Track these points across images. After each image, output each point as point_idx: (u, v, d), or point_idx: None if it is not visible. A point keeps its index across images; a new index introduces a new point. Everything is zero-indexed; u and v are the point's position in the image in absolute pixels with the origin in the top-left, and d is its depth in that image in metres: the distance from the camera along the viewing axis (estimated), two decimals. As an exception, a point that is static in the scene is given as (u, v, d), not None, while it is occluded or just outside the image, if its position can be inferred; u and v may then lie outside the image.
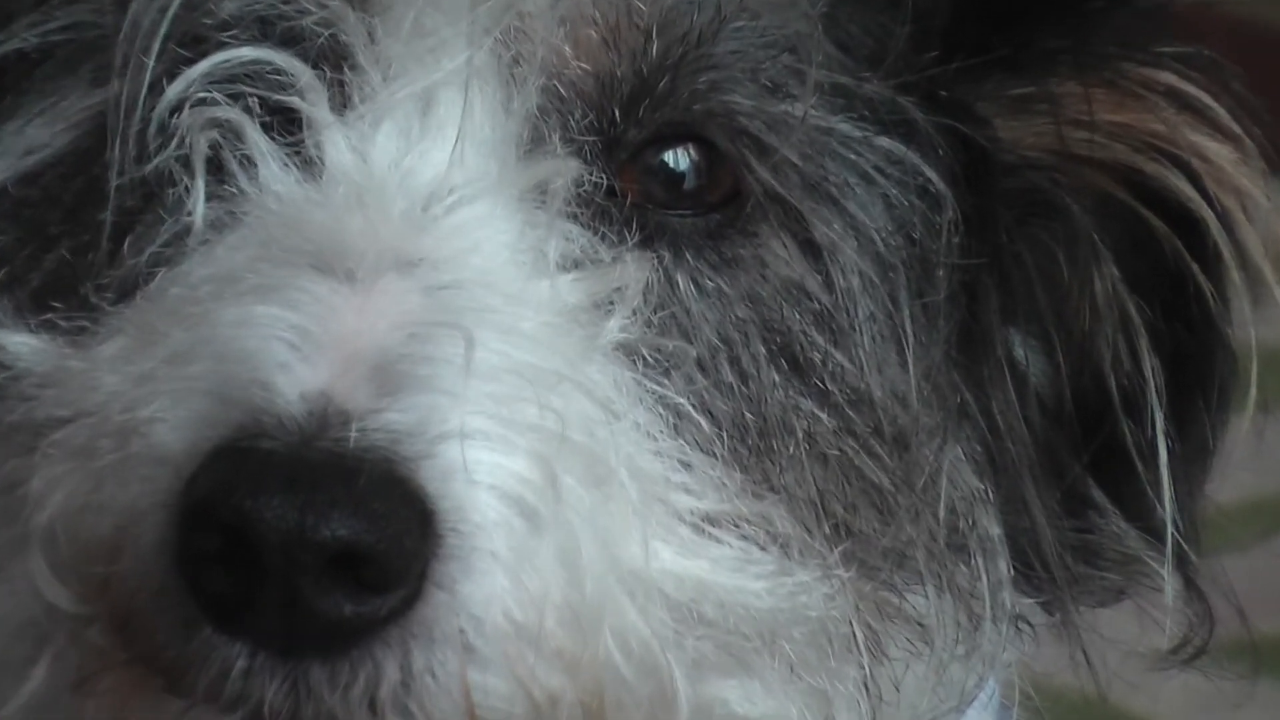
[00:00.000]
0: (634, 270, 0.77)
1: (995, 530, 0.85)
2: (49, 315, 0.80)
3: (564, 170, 0.76)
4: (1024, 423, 0.87)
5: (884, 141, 0.85)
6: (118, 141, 0.81)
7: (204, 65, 0.78)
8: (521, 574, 0.70)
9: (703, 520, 0.77)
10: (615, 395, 0.75)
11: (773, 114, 0.78)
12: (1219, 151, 0.81)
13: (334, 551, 0.67)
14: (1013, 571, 0.88)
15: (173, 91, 0.79)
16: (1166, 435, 0.85)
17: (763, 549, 0.78)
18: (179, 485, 0.68)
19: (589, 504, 0.73)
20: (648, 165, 0.78)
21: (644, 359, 0.77)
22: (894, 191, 0.84)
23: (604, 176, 0.78)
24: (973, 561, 0.85)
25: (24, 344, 0.77)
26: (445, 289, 0.71)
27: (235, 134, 0.78)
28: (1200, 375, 0.84)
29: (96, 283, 0.79)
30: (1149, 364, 0.84)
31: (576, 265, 0.77)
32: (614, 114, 0.77)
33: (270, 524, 0.65)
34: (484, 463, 0.69)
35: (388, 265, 0.71)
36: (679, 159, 0.77)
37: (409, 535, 0.67)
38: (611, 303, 0.78)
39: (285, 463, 0.65)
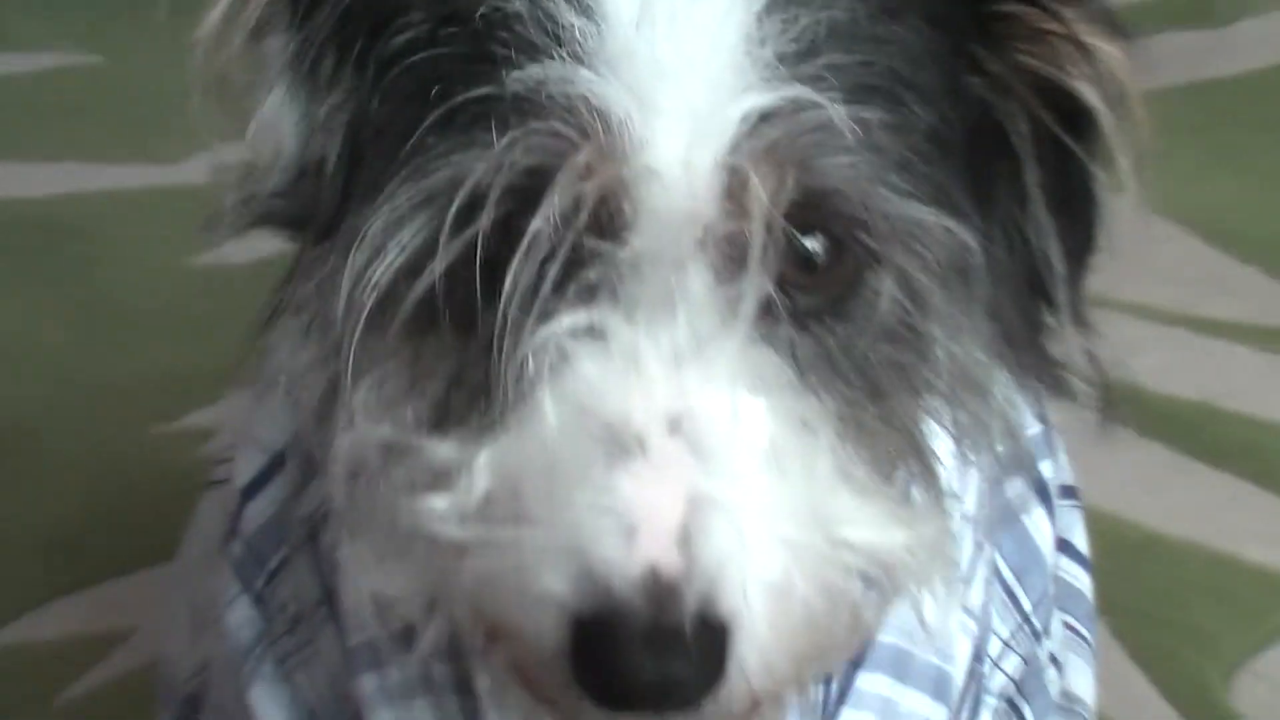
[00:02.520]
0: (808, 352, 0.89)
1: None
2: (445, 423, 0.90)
3: (757, 289, 0.86)
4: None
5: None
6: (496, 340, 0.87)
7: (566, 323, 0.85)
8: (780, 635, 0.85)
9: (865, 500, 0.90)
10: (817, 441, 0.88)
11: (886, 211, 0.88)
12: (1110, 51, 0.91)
13: (681, 685, 0.83)
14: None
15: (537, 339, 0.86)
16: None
17: (893, 501, 0.91)
18: (566, 627, 0.82)
19: (820, 545, 0.86)
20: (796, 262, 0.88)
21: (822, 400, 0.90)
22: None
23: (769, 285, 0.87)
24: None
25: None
26: (707, 440, 0.83)
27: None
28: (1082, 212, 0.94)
29: (460, 406, 0.89)
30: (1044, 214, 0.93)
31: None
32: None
33: (642, 677, 0.81)
34: (753, 580, 0.83)
35: (663, 428, 0.83)
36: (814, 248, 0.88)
37: (722, 657, 0.83)
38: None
39: (647, 634, 0.81)
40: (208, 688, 1.25)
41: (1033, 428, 1.21)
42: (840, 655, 0.94)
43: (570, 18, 0.84)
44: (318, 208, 0.91)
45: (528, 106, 0.84)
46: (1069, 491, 1.28)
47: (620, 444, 0.83)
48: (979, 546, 1.11)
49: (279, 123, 0.90)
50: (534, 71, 0.84)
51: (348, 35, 0.90)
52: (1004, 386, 0.95)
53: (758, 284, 0.84)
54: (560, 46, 0.84)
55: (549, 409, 0.84)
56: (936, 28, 0.90)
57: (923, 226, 0.88)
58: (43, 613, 1.99)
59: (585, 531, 0.82)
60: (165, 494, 1.66)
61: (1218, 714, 1.89)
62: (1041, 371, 0.96)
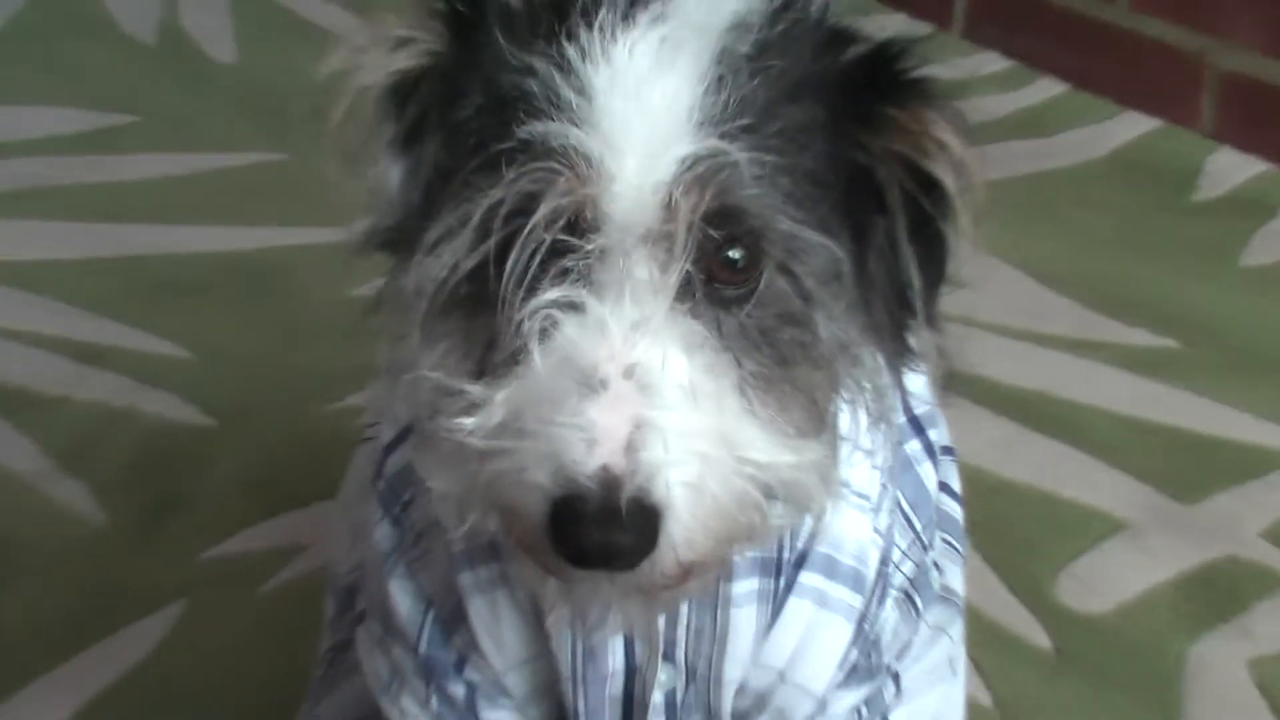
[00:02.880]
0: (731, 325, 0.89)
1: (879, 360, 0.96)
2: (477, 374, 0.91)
3: (680, 270, 0.87)
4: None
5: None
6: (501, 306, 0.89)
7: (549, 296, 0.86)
8: (698, 514, 0.86)
9: (766, 428, 0.89)
10: (729, 385, 0.88)
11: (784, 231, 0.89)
12: (958, 143, 0.91)
13: (623, 549, 0.84)
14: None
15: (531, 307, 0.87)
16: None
17: (788, 435, 0.90)
18: (546, 506, 0.83)
19: (727, 459, 0.87)
20: (719, 259, 0.89)
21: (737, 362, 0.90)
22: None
23: (694, 271, 0.88)
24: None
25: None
26: (651, 382, 0.84)
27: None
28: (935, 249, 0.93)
29: (492, 361, 0.90)
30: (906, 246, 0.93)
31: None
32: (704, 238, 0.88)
33: (595, 542, 0.83)
34: (676, 480, 0.84)
35: (620, 374, 0.83)
36: (735, 252, 0.88)
37: (654, 532, 0.84)
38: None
39: (598, 511, 0.82)
40: (361, 582, 1.24)
41: (925, 406, 1.20)
42: (751, 542, 0.93)
43: (567, 93, 0.86)
44: (408, 233, 0.92)
45: (533, 152, 0.86)
46: (948, 450, 1.27)
47: (589, 384, 0.83)
48: (885, 487, 1.10)
49: (386, 178, 0.92)
50: (539, 128, 0.86)
51: (429, 116, 0.91)
52: (873, 360, 0.95)
53: (681, 267, 0.86)
54: (560, 111, 0.86)
55: (540, 361, 0.85)
56: (828, 112, 0.90)
57: (807, 242, 0.88)
58: (248, 532, 1.97)
59: (561, 443, 0.83)
60: (331, 450, 1.65)
61: (1045, 602, 1.87)
62: (902, 356, 0.96)
